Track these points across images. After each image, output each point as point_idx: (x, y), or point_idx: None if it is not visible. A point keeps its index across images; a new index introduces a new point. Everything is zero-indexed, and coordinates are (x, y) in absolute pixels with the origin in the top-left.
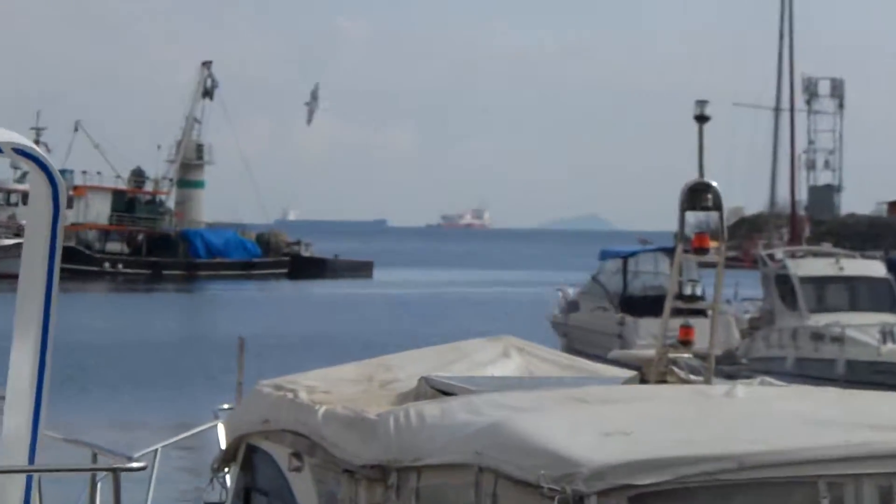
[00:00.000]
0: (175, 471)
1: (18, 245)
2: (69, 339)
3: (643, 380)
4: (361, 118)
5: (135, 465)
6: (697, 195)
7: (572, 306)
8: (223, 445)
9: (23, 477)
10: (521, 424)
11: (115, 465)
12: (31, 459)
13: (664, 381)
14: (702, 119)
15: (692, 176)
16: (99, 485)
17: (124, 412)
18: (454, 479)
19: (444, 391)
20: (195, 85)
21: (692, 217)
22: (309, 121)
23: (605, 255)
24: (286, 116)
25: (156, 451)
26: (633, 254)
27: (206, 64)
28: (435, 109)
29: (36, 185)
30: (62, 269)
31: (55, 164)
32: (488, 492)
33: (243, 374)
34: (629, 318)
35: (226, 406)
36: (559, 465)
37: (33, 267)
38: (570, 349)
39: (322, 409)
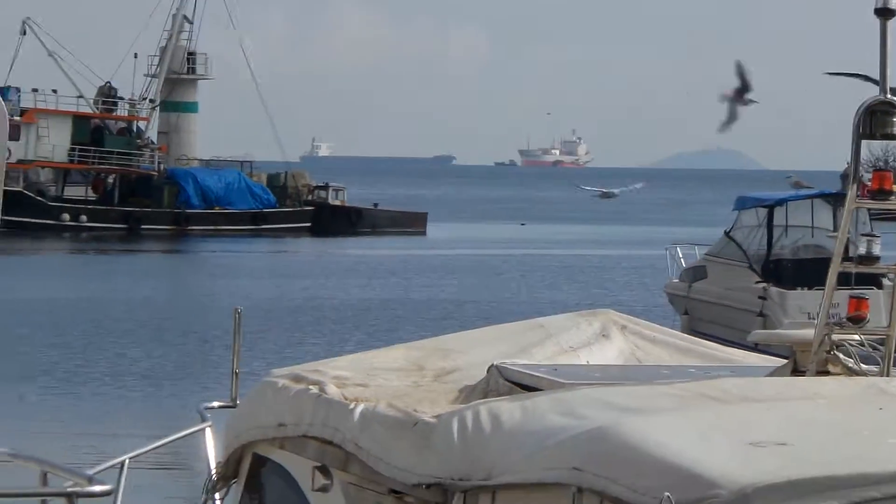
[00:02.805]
0: (150, 490)
1: None
2: (13, 317)
3: (797, 370)
4: (417, 21)
5: (97, 488)
6: (878, 119)
7: (696, 273)
8: (214, 456)
9: None
10: (634, 430)
11: (71, 489)
12: None
13: (826, 372)
14: (886, 13)
15: (867, 94)
16: None
17: (84, 413)
18: (544, 503)
19: (523, 385)
20: None
21: (868, 149)
22: None
23: (742, 204)
24: (313, 10)
25: (122, 463)
26: (783, 201)
27: None
28: (512, 10)
29: None
30: (4, 223)
31: None
32: None
33: (239, 360)
34: (775, 289)
35: (216, 403)
36: (689, 485)
37: None
38: (693, 329)
39: (359, 409)
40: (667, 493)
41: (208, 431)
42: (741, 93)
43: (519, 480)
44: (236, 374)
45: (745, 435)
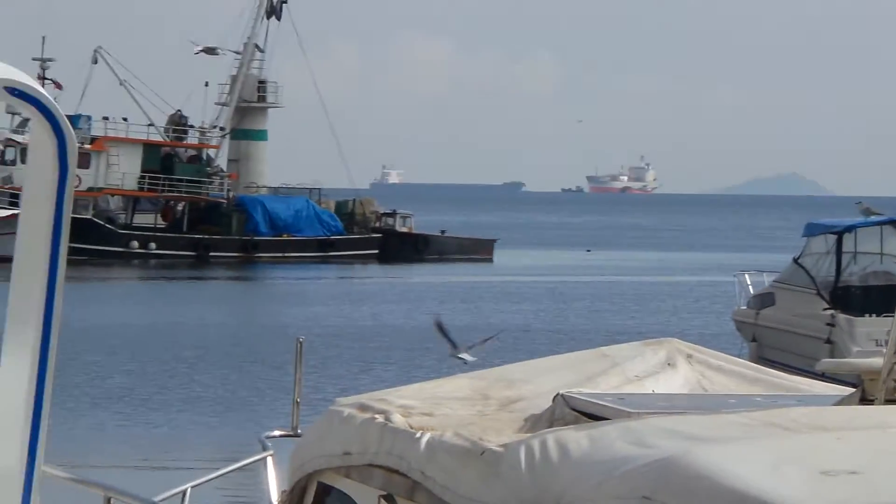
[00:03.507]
0: None
1: (16, 217)
2: (81, 344)
3: (865, 399)
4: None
5: None
6: None
7: (765, 300)
8: (275, 485)
9: None
10: (704, 459)
11: None
12: (26, 503)
13: (895, 401)
14: None
15: None
16: None
17: (148, 441)
18: None
19: (589, 414)
20: None
21: None
22: None
23: (812, 230)
24: (383, 42)
25: (185, 492)
26: (852, 228)
27: None
28: (580, 38)
29: (37, 135)
30: (74, 250)
31: (67, 107)
32: None
33: (301, 390)
34: (843, 316)
35: (277, 433)
36: None
37: (32, 247)
38: (761, 356)
39: (426, 437)
40: None
41: (269, 460)
42: None
43: None
44: (297, 403)
45: (815, 464)
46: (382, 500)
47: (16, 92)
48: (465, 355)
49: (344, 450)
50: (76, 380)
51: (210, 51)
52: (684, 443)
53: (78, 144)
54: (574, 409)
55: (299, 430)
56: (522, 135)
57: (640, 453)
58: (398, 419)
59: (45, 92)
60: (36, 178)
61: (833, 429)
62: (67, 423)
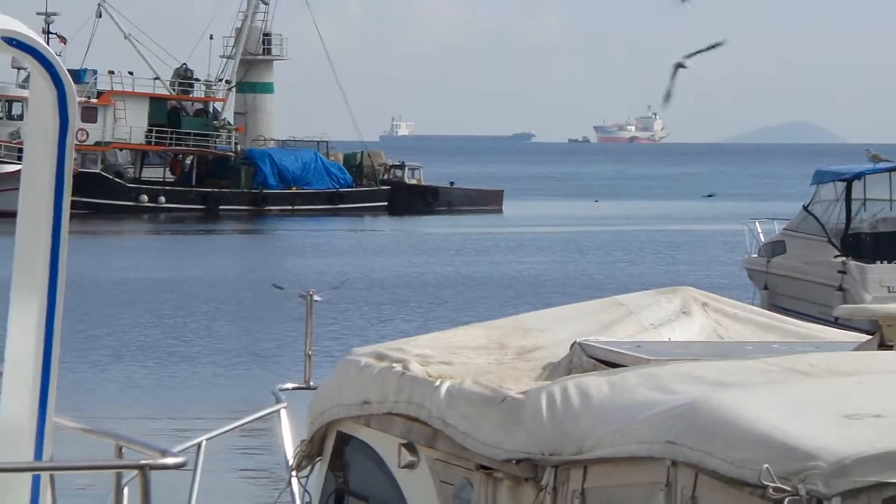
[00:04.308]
0: (228, 471)
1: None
2: (89, 297)
3: (883, 344)
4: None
5: (170, 460)
6: None
7: (776, 248)
8: (290, 437)
9: (28, 477)
10: (729, 404)
11: (144, 462)
12: (39, 454)
13: None
14: None
15: None
16: (126, 487)
17: (164, 394)
18: (636, 477)
19: (606, 361)
20: None
21: None
22: None
23: (821, 178)
24: None
25: (199, 444)
26: (860, 175)
27: None
28: None
29: (37, 88)
30: (83, 205)
31: (72, 61)
32: (686, 493)
33: (312, 343)
34: (854, 263)
35: (290, 385)
36: (788, 457)
37: (34, 201)
38: (772, 304)
39: (445, 385)
40: (766, 465)
41: (283, 412)
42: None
43: (610, 455)
44: (309, 356)
45: (838, 408)
46: (402, 448)
47: (14, 42)
48: (317, 297)
49: (363, 399)
50: (96, 332)
51: None
52: (706, 388)
53: (84, 99)
54: (592, 357)
55: (312, 383)
56: (531, 86)
57: (663, 398)
58: (416, 368)
59: (43, 42)
60: (36, 130)
61: (853, 374)
62: (84, 375)
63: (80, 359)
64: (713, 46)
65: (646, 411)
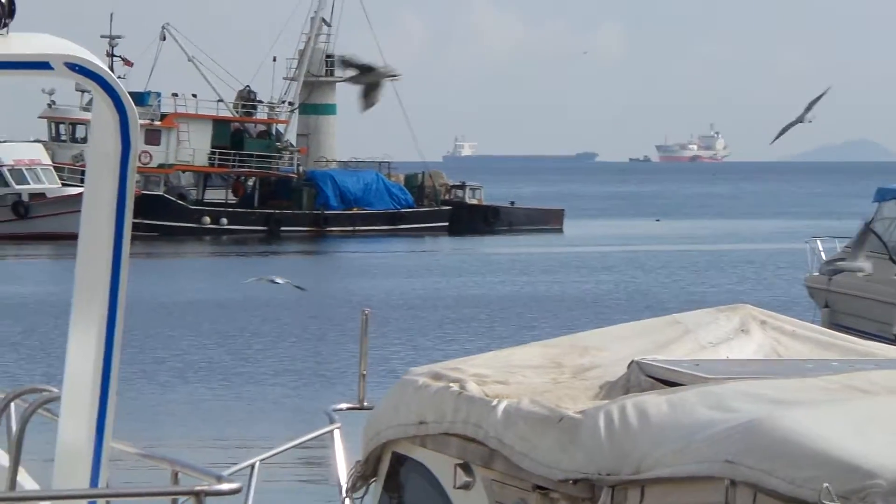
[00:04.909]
0: (282, 492)
1: None
2: (150, 320)
3: None
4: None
5: (225, 486)
6: None
7: (837, 266)
8: (343, 457)
9: (83, 502)
10: (787, 423)
11: (199, 488)
12: (95, 480)
13: None
14: None
15: None
16: None
17: (216, 417)
18: (694, 497)
19: (664, 380)
20: None
21: None
22: None
23: (883, 196)
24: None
25: (253, 465)
26: None
27: None
28: (647, 7)
29: (99, 112)
30: (146, 227)
31: (136, 84)
32: None
33: (367, 362)
34: None
35: (344, 405)
36: (848, 476)
37: (95, 223)
38: (833, 322)
39: (502, 405)
40: (826, 484)
41: (337, 433)
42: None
43: (669, 474)
44: (363, 375)
45: None
46: (459, 469)
47: (77, 68)
48: (277, 279)
49: (419, 419)
50: (160, 353)
51: None
52: (766, 406)
53: (148, 121)
54: (649, 376)
55: (366, 403)
56: (592, 105)
57: (722, 417)
58: (473, 387)
59: (106, 67)
60: (98, 154)
61: None
62: (141, 396)
63: (147, 379)
64: (822, 95)
65: (704, 430)
